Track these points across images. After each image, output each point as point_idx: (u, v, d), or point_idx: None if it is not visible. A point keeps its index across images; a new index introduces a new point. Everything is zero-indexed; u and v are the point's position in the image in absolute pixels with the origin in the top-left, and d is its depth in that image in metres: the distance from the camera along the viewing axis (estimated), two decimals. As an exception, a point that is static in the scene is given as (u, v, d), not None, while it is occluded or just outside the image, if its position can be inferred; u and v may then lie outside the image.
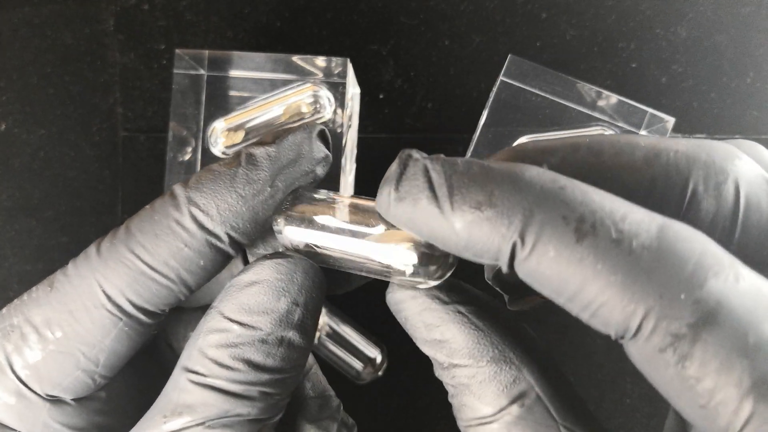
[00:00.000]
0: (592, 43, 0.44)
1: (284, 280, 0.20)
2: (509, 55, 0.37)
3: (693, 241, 0.17)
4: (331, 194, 0.22)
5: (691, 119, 0.43)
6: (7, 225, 0.44)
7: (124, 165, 0.44)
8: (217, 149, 0.38)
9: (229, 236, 0.21)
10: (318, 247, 0.21)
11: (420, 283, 0.21)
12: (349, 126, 0.40)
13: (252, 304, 0.20)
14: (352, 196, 0.22)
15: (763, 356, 0.15)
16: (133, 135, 0.44)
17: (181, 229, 0.21)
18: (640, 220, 0.17)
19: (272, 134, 0.22)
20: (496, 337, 0.20)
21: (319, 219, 0.21)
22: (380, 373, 0.41)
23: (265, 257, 0.21)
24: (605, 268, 0.16)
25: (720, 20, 0.43)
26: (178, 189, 0.21)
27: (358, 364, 0.41)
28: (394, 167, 0.19)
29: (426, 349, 0.21)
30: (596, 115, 0.37)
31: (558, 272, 0.17)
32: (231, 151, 0.38)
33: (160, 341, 0.27)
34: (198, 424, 0.20)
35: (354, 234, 0.20)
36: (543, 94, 0.37)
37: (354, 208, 0.21)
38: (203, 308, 0.26)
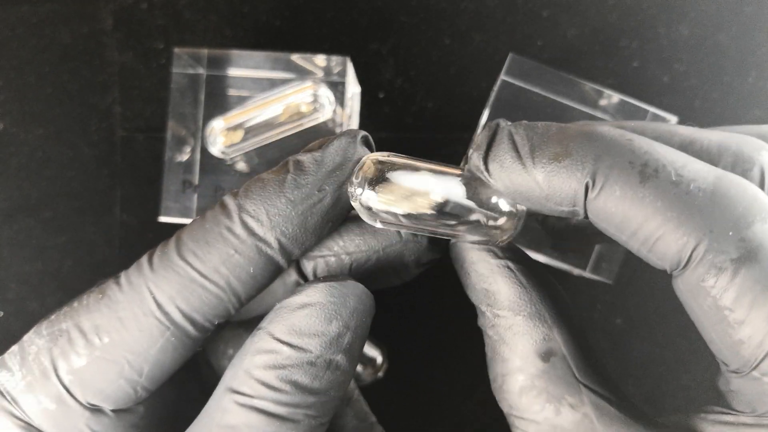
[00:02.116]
0: (593, 41, 0.43)
1: (337, 303, 0.21)
2: (510, 54, 0.37)
3: (746, 189, 0.19)
4: (404, 158, 0.22)
5: (693, 118, 0.43)
6: (5, 225, 0.43)
7: (122, 165, 0.44)
8: (216, 149, 0.37)
9: (279, 242, 0.21)
10: (406, 208, 0.22)
11: (487, 241, 0.23)
12: (349, 125, 0.39)
13: (303, 326, 0.20)
14: (425, 161, 0.22)
15: None
16: (131, 134, 0.44)
17: (231, 236, 0.21)
18: (699, 169, 0.19)
19: (318, 142, 0.23)
20: (536, 296, 0.22)
21: (406, 176, 0.22)
22: (381, 374, 0.41)
23: (318, 280, 0.21)
24: (664, 205, 0.18)
25: (722, 19, 0.43)
26: (229, 199, 0.22)
27: (358, 366, 0.41)
28: (482, 135, 0.21)
29: (475, 298, 0.23)
30: (598, 114, 0.37)
31: (622, 210, 0.19)
32: (230, 151, 0.37)
33: (199, 358, 0.27)
34: None
35: (440, 191, 0.22)
36: (544, 93, 0.36)
37: (435, 170, 0.22)
38: (245, 325, 0.26)
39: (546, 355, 0.21)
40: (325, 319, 0.20)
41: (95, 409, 0.22)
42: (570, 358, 0.21)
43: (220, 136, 0.38)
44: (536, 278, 0.22)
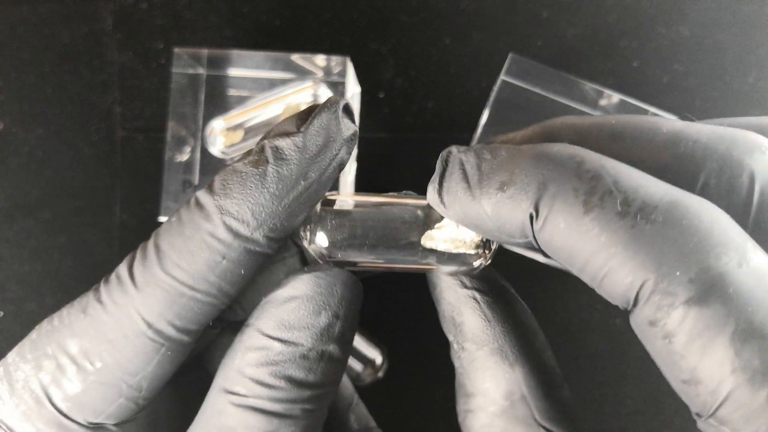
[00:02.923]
0: (593, 41, 0.43)
1: (324, 294, 0.20)
2: (510, 54, 0.37)
3: (701, 219, 0.16)
4: (353, 198, 0.22)
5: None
6: (4, 225, 0.43)
7: (122, 164, 0.44)
8: (216, 149, 0.37)
9: (268, 238, 0.20)
10: (356, 255, 0.21)
11: (462, 270, 0.22)
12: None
13: (292, 320, 0.20)
14: (373, 194, 0.22)
15: (750, 344, 0.15)
16: (131, 134, 0.44)
17: (216, 242, 0.19)
18: (652, 194, 0.17)
19: (294, 119, 0.20)
20: (499, 330, 0.21)
21: (352, 225, 0.21)
22: (381, 374, 0.41)
23: (302, 270, 0.21)
24: (608, 240, 0.17)
25: (722, 19, 0.43)
26: (205, 197, 0.20)
27: (358, 366, 0.41)
28: (438, 164, 0.20)
29: (444, 325, 0.23)
30: (598, 114, 0.37)
31: (568, 243, 0.17)
32: (230, 151, 0.37)
33: (197, 358, 0.26)
34: None
35: (394, 234, 0.21)
36: (544, 93, 0.36)
37: (383, 204, 0.22)
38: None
39: (507, 395, 0.21)
40: (314, 311, 0.20)
41: (97, 427, 0.21)
42: (530, 399, 0.21)
43: (220, 136, 0.38)
44: (504, 311, 0.21)
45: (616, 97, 0.37)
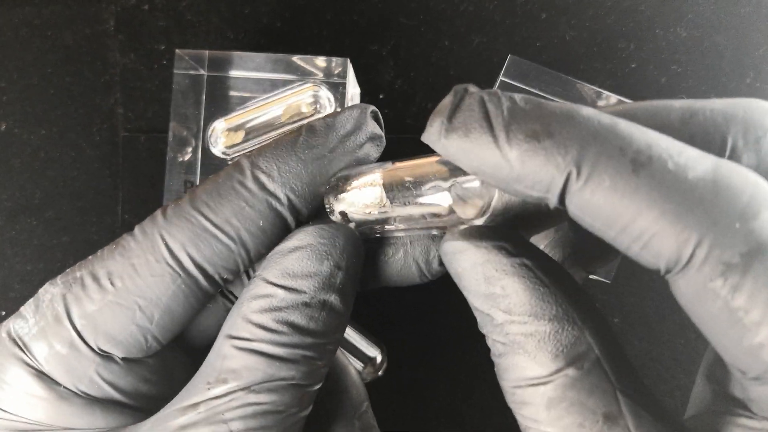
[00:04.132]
0: (591, 43, 0.44)
1: (327, 244, 0.21)
2: (509, 56, 0.37)
3: (747, 177, 0.17)
4: (374, 170, 0.22)
5: (690, 119, 0.43)
6: (7, 225, 0.44)
7: (124, 165, 0.44)
8: (218, 149, 0.38)
9: (289, 198, 0.22)
10: (369, 212, 0.22)
11: (462, 222, 0.21)
12: (349, 126, 0.40)
13: (296, 269, 0.21)
14: (398, 160, 0.22)
15: None
16: (133, 135, 0.44)
17: (243, 189, 0.21)
18: (696, 156, 0.17)
19: (331, 113, 0.23)
20: (561, 295, 0.19)
21: (365, 182, 0.22)
22: (380, 373, 0.41)
23: (308, 224, 0.22)
24: (661, 196, 0.16)
25: (719, 20, 0.43)
26: (243, 158, 0.22)
27: (358, 364, 0.41)
28: (447, 99, 0.19)
29: (480, 303, 0.20)
30: (596, 115, 0.37)
31: (612, 202, 0.17)
32: (231, 151, 0.38)
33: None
34: (242, 389, 0.20)
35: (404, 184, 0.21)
36: (543, 94, 0.37)
37: (397, 167, 0.22)
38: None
39: (578, 361, 0.19)
40: (317, 260, 0.21)
41: (106, 356, 0.22)
42: (605, 362, 0.19)
43: (222, 137, 0.38)
44: (557, 275, 0.20)
45: (614, 98, 0.37)
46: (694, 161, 0.17)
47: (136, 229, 0.22)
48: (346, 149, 0.22)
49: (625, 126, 0.17)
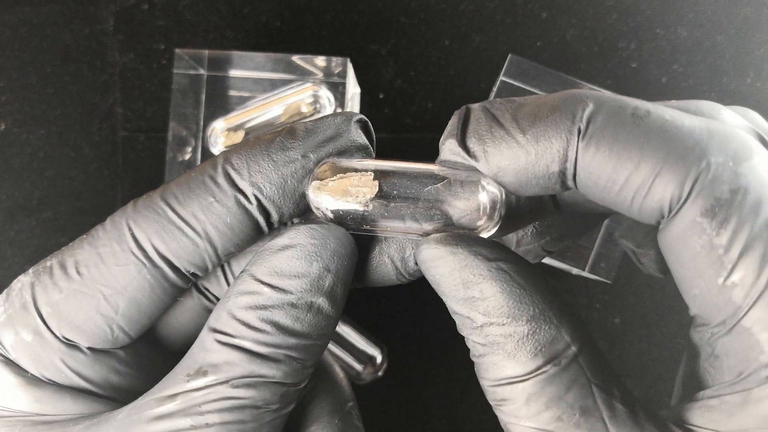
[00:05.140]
0: (592, 42, 0.44)
1: (317, 245, 0.21)
2: (509, 55, 0.37)
3: (736, 131, 0.19)
4: (364, 161, 0.22)
5: (691, 119, 0.43)
6: (6, 225, 0.44)
7: (123, 165, 0.44)
8: (217, 149, 0.37)
9: (257, 198, 0.21)
10: (355, 213, 0.21)
11: (472, 230, 0.21)
12: (349, 126, 0.39)
13: (284, 268, 0.21)
14: (384, 159, 0.22)
15: None
16: (132, 135, 0.44)
17: (213, 184, 0.21)
18: (688, 115, 0.19)
19: (317, 118, 0.23)
20: (537, 296, 0.20)
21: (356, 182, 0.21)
22: (380, 373, 0.41)
23: (300, 222, 0.22)
24: (662, 141, 0.18)
25: (720, 20, 0.43)
26: (219, 154, 0.22)
27: (358, 364, 0.41)
28: (453, 120, 0.21)
29: (459, 307, 0.21)
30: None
31: (617, 153, 0.18)
32: (231, 151, 0.38)
33: None
34: (221, 383, 0.20)
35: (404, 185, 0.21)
36: (543, 94, 0.37)
37: (390, 170, 0.22)
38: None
39: (555, 359, 0.19)
40: (306, 261, 0.21)
41: (71, 345, 0.22)
42: (581, 357, 0.20)
43: (221, 137, 0.38)
44: (533, 277, 0.21)
45: (614, 98, 0.37)
46: (689, 116, 0.19)
47: (107, 219, 0.22)
48: (320, 155, 0.22)
49: (621, 96, 0.19)
